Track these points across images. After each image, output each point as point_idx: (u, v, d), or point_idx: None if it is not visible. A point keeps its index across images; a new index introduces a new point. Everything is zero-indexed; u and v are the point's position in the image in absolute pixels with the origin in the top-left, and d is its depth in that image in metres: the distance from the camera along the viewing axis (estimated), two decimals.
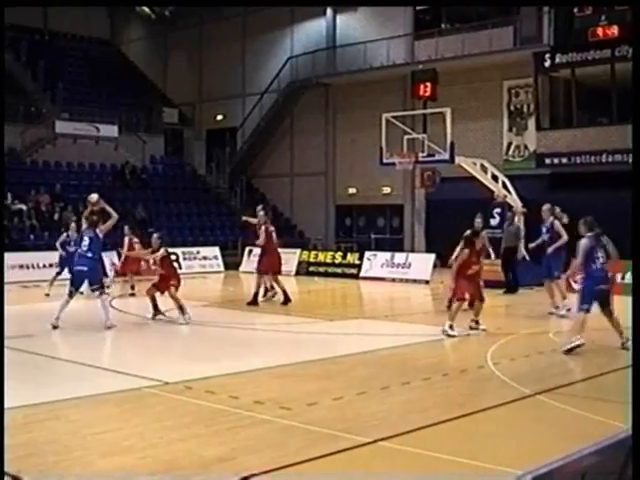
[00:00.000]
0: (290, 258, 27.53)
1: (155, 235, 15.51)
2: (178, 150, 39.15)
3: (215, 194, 36.80)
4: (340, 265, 26.86)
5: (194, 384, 9.26)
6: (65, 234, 19.91)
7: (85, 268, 14.14)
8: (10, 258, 22.96)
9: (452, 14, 31.79)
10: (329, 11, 35.45)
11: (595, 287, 11.60)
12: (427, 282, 23.91)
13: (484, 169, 24.19)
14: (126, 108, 36.18)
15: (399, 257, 25.68)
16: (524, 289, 20.27)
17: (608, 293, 11.77)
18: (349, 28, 34.83)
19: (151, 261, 15.58)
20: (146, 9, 41.69)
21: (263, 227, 18.16)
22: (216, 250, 29.49)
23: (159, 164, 36.83)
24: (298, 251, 28.20)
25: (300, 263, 27.64)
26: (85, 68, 39.41)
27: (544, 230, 16.15)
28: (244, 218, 20.46)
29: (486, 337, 13.21)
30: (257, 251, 19.74)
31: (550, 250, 15.72)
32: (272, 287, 18.66)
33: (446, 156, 23.27)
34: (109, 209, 14.81)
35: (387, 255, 26.02)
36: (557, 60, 27.45)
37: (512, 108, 30.03)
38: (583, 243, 11.74)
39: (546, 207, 16.37)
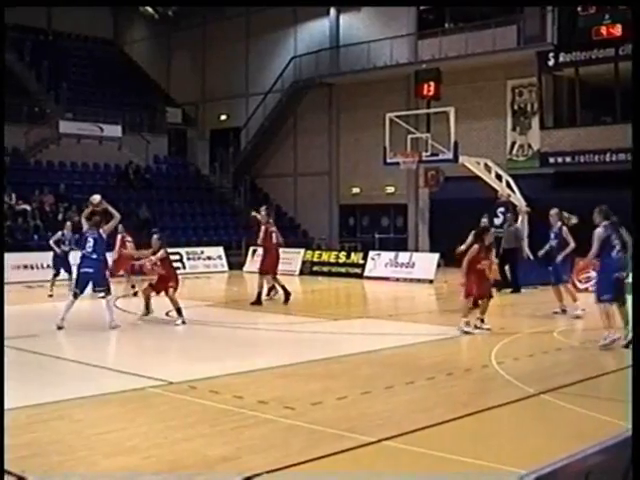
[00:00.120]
0: (294, 258, 27.58)
1: (155, 236, 15.40)
2: (182, 150, 39.19)
3: (219, 194, 36.82)
4: (344, 265, 26.86)
5: (198, 384, 9.26)
6: (60, 233, 19.91)
7: (91, 270, 14.09)
8: (14, 258, 23.01)
9: (455, 13, 31.77)
10: (332, 11, 35.44)
11: (613, 275, 11.61)
12: (431, 281, 23.89)
13: (488, 168, 24.18)
14: (130, 108, 36.22)
15: (403, 257, 25.68)
16: (528, 288, 20.25)
17: (624, 281, 11.80)
18: (352, 28, 34.83)
19: (147, 263, 15.47)
20: (149, 9, 41.74)
21: (264, 227, 18.38)
22: (220, 250, 29.50)
23: (163, 164, 36.87)
24: (302, 251, 28.22)
25: (304, 263, 27.65)
26: (89, 68, 39.46)
27: (552, 236, 15.97)
28: (253, 213, 20.51)
29: (490, 336, 13.19)
30: (260, 251, 19.82)
31: (559, 258, 15.62)
32: (275, 287, 18.72)
33: (450, 155, 23.26)
34: (111, 209, 14.79)
35: (391, 255, 26.02)
36: (561, 59, 27.44)
37: (516, 107, 30.00)
38: (598, 232, 11.86)
39: (554, 212, 16.16)
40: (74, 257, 19.46)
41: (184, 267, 27.79)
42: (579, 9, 26.89)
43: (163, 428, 7.40)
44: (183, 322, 14.55)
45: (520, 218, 22.69)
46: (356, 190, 34.78)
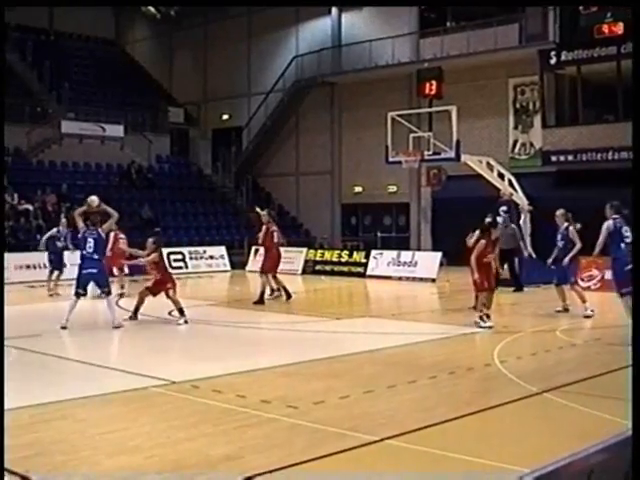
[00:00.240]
0: (296, 257, 27.59)
1: (150, 240, 15.35)
2: (184, 150, 39.20)
3: (221, 193, 36.83)
4: (346, 264, 26.86)
5: (201, 383, 9.27)
6: (55, 229, 19.91)
7: (94, 270, 14.09)
8: (17, 258, 23.03)
9: (457, 12, 31.76)
10: (334, 10, 35.43)
11: (625, 268, 11.64)
12: (433, 280, 23.89)
13: (490, 167, 24.15)
14: (132, 108, 36.24)
15: (405, 255, 25.67)
16: (530, 287, 20.24)
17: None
18: (354, 27, 34.83)
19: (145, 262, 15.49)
20: (151, 9, 41.74)
21: (264, 227, 18.52)
22: (222, 249, 29.51)
23: (165, 164, 36.87)
24: (304, 250, 28.23)
25: (306, 262, 27.66)
26: (91, 68, 39.49)
27: (559, 237, 15.87)
28: (257, 209, 20.55)
29: (493, 335, 13.20)
30: (262, 251, 19.86)
31: (566, 261, 15.58)
32: (278, 287, 18.76)
33: (452, 154, 23.22)
34: (108, 209, 14.79)
35: (393, 253, 26.01)
36: (563, 57, 27.42)
37: (518, 106, 29.99)
38: (607, 224, 12.31)
39: (560, 212, 16.08)
40: (69, 257, 19.70)
41: (186, 267, 27.83)
42: (581, 7, 26.88)
43: (166, 427, 7.41)
44: (185, 322, 14.56)
45: (522, 217, 22.68)
46: (358, 189, 34.78)
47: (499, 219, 21.71)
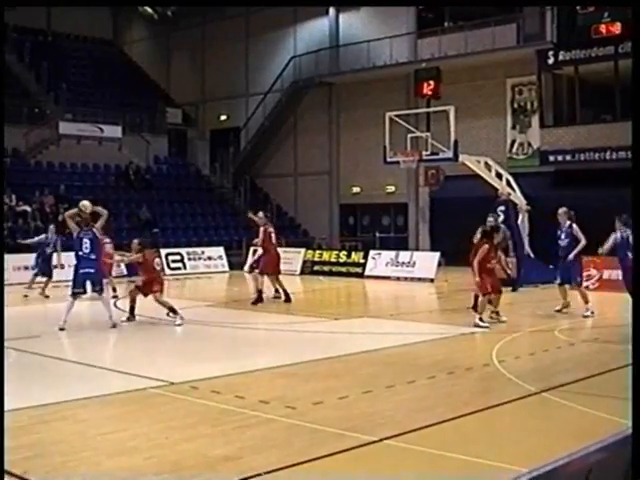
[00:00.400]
0: (294, 257, 27.60)
1: (135, 241, 15.43)
2: (182, 150, 39.19)
3: (219, 194, 36.82)
4: (345, 264, 26.87)
5: (199, 384, 9.28)
6: (44, 235, 19.95)
7: (92, 270, 14.18)
8: (15, 260, 23.00)
9: (455, 12, 31.75)
10: (332, 10, 35.43)
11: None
12: (432, 280, 23.90)
13: (488, 167, 24.16)
14: (129, 108, 36.23)
15: (404, 256, 25.68)
16: (529, 287, 20.25)
17: None
18: (352, 27, 34.83)
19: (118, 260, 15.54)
20: (149, 9, 41.69)
21: (262, 228, 18.55)
22: (221, 250, 29.50)
23: (163, 164, 36.86)
24: (302, 250, 28.25)
25: (305, 262, 27.67)
26: (88, 69, 39.46)
27: (563, 236, 15.73)
28: (249, 215, 20.64)
29: (491, 335, 13.22)
30: (260, 251, 19.89)
31: (571, 257, 15.55)
32: (277, 289, 18.79)
33: (450, 154, 23.24)
34: (98, 208, 14.84)
35: (392, 254, 26.03)
36: (560, 57, 27.43)
37: (516, 106, 30.00)
38: (614, 237, 13.29)
39: (562, 211, 15.93)
40: (63, 258, 19.71)
41: (185, 267, 27.84)
42: (578, 7, 26.89)
43: (164, 428, 7.42)
44: (181, 318, 14.55)
45: (520, 217, 22.69)
46: (356, 189, 34.78)
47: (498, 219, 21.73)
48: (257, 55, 37.97)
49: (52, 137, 33.10)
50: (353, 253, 27.37)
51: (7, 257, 22.39)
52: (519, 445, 6.93)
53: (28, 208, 28.21)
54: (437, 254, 25.17)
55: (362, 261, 26.36)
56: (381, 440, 6.97)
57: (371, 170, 32.44)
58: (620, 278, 16.62)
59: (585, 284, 18.50)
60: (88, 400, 8.58)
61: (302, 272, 27.20)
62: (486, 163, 24.25)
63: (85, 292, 14.46)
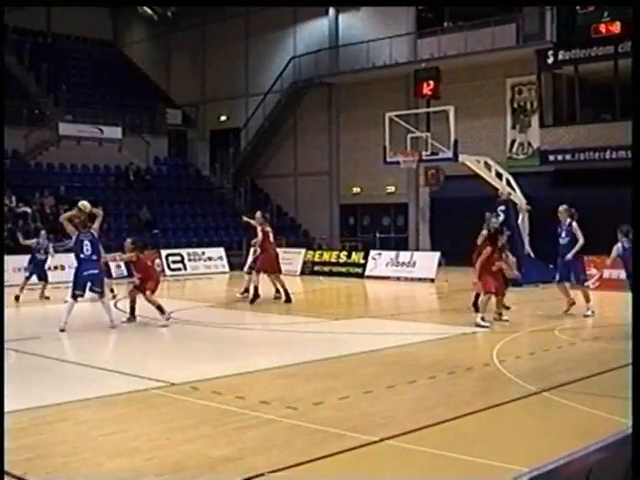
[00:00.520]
0: (295, 258, 27.60)
1: (128, 240, 15.45)
2: (182, 151, 39.21)
3: (219, 195, 36.83)
4: (345, 264, 26.86)
5: (200, 385, 9.28)
6: (35, 240, 19.97)
7: (95, 271, 14.19)
8: (16, 261, 22.97)
9: (454, 12, 31.78)
10: (331, 10, 35.46)
11: None
12: (432, 280, 23.90)
13: (488, 167, 24.18)
14: (129, 109, 36.25)
15: (404, 256, 25.69)
16: (529, 287, 20.25)
17: None
18: (352, 27, 34.85)
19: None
20: (148, 10, 41.69)
21: (259, 228, 18.66)
22: (221, 251, 29.51)
23: (163, 165, 36.88)
24: (303, 251, 28.24)
25: (305, 263, 27.67)
26: (88, 70, 39.48)
27: (563, 234, 15.63)
28: (245, 219, 20.76)
29: (492, 335, 13.23)
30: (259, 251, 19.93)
31: (569, 256, 15.50)
32: (278, 289, 18.82)
33: (450, 154, 23.25)
34: (94, 210, 14.85)
35: (392, 254, 26.04)
36: (560, 57, 27.43)
37: (515, 105, 30.02)
38: (616, 247, 13.65)
39: (562, 208, 15.81)
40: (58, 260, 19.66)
41: (185, 268, 27.85)
42: (578, 7, 26.89)
43: (166, 429, 7.42)
44: (167, 320, 14.49)
45: (520, 216, 22.70)
46: (356, 190, 34.80)
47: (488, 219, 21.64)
48: (257, 55, 37.99)
49: (52, 138, 33.12)
50: (353, 253, 27.37)
51: (7, 258, 22.37)
52: (520, 445, 6.93)
53: (28, 209, 28.20)
54: (437, 254, 25.16)
55: (362, 261, 26.36)
56: (382, 440, 6.97)
57: (371, 170, 32.46)
58: (621, 277, 16.66)
59: (586, 284, 18.51)
60: (89, 401, 8.58)
61: (302, 272, 27.20)
62: (486, 163, 24.27)
63: (83, 295, 14.43)
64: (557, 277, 15.87)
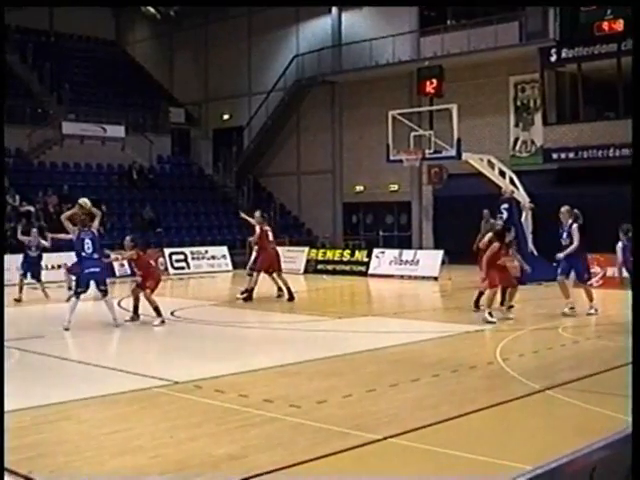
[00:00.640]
0: (298, 256, 27.60)
1: (128, 238, 15.47)
2: (185, 150, 39.20)
3: (222, 193, 36.84)
4: (348, 263, 26.87)
5: (203, 383, 9.28)
6: (27, 239, 19.96)
7: (97, 269, 14.22)
8: (18, 260, 22.97)
9: (457, 10, 31.77)
10: (334, 9, 35.44)
11: None
12: (435, 279, 23.89)
13: (491, 165, 24.15)
14: (132, 108, 36.25)
15: (407, 254, 25.68)
16: (532, 285, 20.22)
17: None
18: (354, 26, 34.82)
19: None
20: (151, 9, 41.73)
21: (258, 227, 18.72)
22: (224, 249, 29.52)
23: (166, 164, 36.87)
24: (306, 249, 28.25)
25: (308, 261, 27.67)
26: (91, 69, 39.49)
27: (564, 235, 15.57)
28: (242, 215, 20.82)
29: (495, 333, 13.23)
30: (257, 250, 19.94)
31: (561, 256, 15.44)
32: (280, 288, 18.82)
33: (453, 152, 23.22)
34: (93, 209, 14.88)
35: (395, 252, 26.04)
36: (563, 55, 27.41)
37: (518, 103, 29.99)
38: (619, 246, 13.96)
39: (564, 209, 15.74)
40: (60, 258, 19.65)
41: (188, 267, 27.87)
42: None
43: (169, 428, 7.42)
44: (162, 322, 14.49)
45: (524, 214, 22.67)
46: (360, 188, 34.79)
47: (486, 216, 21.61)
48: (260, 54, 37.98)
49: (55, 137, 33.12)
50: (357, 252, 27.37)
51: (10, 257, 22.39)
52: (523, 443, 6.93)
53: (32, 208, 28.20)
54: (441, 252, 25.15)
55: (366, 260, 26.36)
56: (385, 438, 6.96)
57: (374, 168, 32.46)
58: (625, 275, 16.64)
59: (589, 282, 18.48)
60: (92, 400, 8.58)
61: (306, 271, 27.20)
62: (489, 161, 24.24)
63: (86, 291, 14.43)
64: (559, 272, 15.87)
